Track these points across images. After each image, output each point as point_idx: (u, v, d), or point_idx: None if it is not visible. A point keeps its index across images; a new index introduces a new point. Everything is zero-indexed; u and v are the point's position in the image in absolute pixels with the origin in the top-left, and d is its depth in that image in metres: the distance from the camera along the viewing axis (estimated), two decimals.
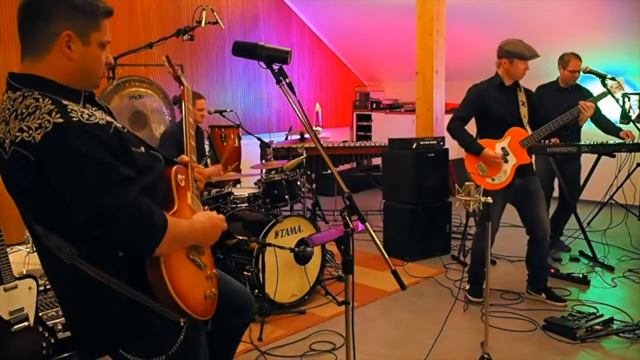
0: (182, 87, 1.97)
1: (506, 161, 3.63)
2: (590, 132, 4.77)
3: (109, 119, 1.49)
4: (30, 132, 1.32)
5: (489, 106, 3.68)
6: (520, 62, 3.57)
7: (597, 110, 4.49)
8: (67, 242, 1.40)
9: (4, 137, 1.38)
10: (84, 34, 1.43)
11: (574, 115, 3.67)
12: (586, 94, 4.38)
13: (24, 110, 1.35)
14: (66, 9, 1.40)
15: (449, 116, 3.90)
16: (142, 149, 1.55)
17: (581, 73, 4.32)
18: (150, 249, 1.39)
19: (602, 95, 3.91)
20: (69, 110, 1.36)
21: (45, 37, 1.41)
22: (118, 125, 1.50)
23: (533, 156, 3.78)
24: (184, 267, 1.51)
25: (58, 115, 1.33)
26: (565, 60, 4.52)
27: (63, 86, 1.44)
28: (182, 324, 1.46)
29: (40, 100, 1.36)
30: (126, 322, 1.49)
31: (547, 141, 4.13)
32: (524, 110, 3.68)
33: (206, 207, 1.75)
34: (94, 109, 1.50)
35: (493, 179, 3.61)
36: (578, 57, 4.49)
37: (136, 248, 1.39)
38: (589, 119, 4.52)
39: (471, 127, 3.78)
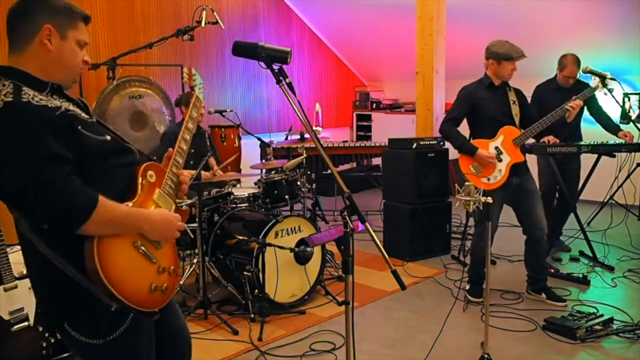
0: (193, 93, 2.06)
1: (500, 160, 3.63)
2: (590, 132, 4.77)
3: (65, 105, 1.57)
4: None
5: (480, 105, 3.68)
6: (508, 62, 3.59)
7: (595, 102, 4.49)
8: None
9: None
10: (62, 29, 1.60)
11: (565, 112, 3.68)
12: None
13: None
14: (46, 9, 1.58)
15: None
16: (108, 137, 1.64)
17: (581, 72, 4.32)
18: (73, 226, 1.45)
19: (590, 91, 3.92)
20: (22, 92, 1.49)
21: (28, 33, 1.57)
22: (75, 111, 1.59)
23: (527, 155, 3.78)
24: (123, 253, 1.55)
25: (11, 96, 1.46)
26: (563, 64, 4.48)
27: (32, 77, 1.56)
28: (112, 309, 1.49)
29: (6, 85, 1.50)
30: (71, 298, 1.55)
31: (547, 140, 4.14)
32: (515, 109, 3.69)
33: (185, 206, 1.81)
34: (61, 100, 1.59)
35: (488, 179, 3.61)
36: (577, 64, 4.41)
37: (58, 224, 1.45)
38: (590, 114, 4.54)
39: (464, 129, 3.78)
